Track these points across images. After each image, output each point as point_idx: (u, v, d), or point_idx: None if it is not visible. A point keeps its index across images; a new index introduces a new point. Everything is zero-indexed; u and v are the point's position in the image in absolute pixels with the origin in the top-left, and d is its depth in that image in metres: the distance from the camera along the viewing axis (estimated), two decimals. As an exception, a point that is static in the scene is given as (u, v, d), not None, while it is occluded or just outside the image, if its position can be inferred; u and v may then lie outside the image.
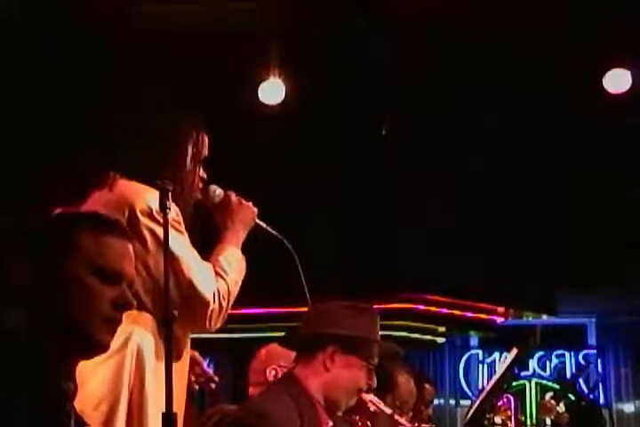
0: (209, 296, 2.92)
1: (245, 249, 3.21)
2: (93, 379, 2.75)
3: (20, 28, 6.36)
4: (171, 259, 2.81)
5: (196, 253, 2.99)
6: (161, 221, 2.78)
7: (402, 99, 7.78)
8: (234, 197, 3.20)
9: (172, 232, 2.83)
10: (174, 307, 2.80)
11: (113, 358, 2.78)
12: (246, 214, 3.19)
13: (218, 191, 3.19)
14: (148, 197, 2.87)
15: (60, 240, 2.09)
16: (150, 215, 2.85)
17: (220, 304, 2.95)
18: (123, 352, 2.80)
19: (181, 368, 2.98)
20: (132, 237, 2.73)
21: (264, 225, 3.26)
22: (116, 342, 2.75)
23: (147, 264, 2.83)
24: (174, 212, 2.88)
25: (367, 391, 3.64)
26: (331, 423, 3.49)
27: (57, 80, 6.69)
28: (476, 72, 7.40)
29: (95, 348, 2.11)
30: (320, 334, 3.49)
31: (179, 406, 2.94)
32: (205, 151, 3.15)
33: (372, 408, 3.80)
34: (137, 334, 2.83)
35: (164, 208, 2.64)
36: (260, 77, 7.49)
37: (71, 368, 2.09)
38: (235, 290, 3.03)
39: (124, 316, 2.79)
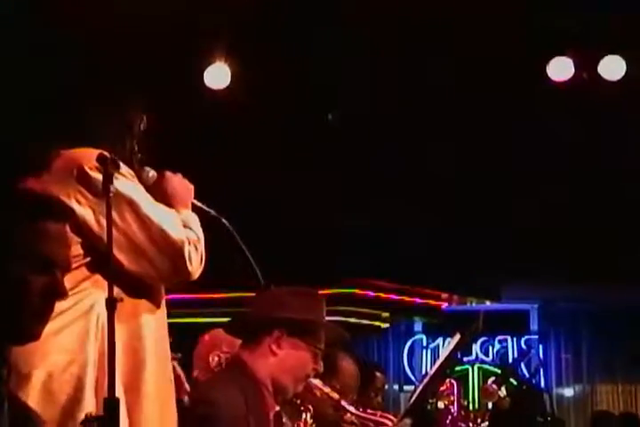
0: (182, 236, 2.91)
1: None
2: (58, 343, 2.75)
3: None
4: (134, 210, 2.87)
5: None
6: (111, 172, 2.72)
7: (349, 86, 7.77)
8: (169, 174, 3.17)
9: (129, 183, 2.89)
10: (155, 265, 2.87)
11: (77, 322, 2.80)
12: (184, 194, 3.16)
13: (151, 173, 3.15)
14: (95, 156, 2.78)
15: None
16: (99, 169, 2.75)
17: (196, 247, 2.93)
18: (87, 317, 2.81)
19: (162, 318, 3.01)
20: (70, 217, 2.72)
21: (199, 204, 3.22)
22: (81, 307, 2.80)
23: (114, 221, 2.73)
24: (124, 167, 2.89)
25: (314, 376, 3.64)
26: (277, 408, 3.49)
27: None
28: (420, 59, 7.40)
29: (24, 337, 2.10)
30: (266, 319, 3.49)
31: (165, 362, 3.00)
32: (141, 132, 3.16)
33: (318, 393, 3.80)
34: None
35: (108, 177, 2.63)
36: (206, 62, 7.44)
37: (4, 354, 2.08)
38: (202, 243, 3.00)
39: (93, 281, 2.78)
